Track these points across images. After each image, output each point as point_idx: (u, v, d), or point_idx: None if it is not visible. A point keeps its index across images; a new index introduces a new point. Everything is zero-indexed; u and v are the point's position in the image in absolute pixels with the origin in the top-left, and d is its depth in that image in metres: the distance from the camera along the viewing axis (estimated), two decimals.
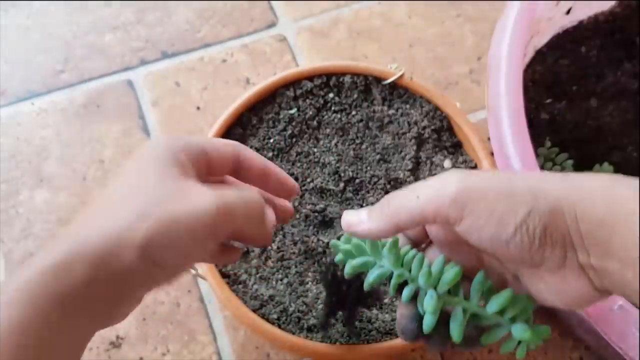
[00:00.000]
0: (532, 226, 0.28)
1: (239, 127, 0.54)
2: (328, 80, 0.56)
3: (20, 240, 0.58)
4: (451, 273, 0.32)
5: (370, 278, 0.34)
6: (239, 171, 0.36)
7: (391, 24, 0.72)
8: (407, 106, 0.55)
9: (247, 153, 0.36)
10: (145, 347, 0.53)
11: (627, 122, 0.56)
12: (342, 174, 0.53)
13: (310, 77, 0.56)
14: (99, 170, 0.62)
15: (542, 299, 0.31)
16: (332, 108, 0.55)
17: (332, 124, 0.55)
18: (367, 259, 0.34)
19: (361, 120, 0.55)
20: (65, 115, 0.65)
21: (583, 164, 0.54)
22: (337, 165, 0.53)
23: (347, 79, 0.55)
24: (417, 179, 0.53)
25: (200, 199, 0.30)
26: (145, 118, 0.65)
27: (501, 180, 0.30)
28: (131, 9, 0.72)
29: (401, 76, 0.55)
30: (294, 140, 0.54)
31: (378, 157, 0.54)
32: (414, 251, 0.34)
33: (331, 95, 0.56)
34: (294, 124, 0.54)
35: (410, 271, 0.33)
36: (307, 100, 0.55)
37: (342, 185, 0.52)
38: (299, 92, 0.55)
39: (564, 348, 0.54)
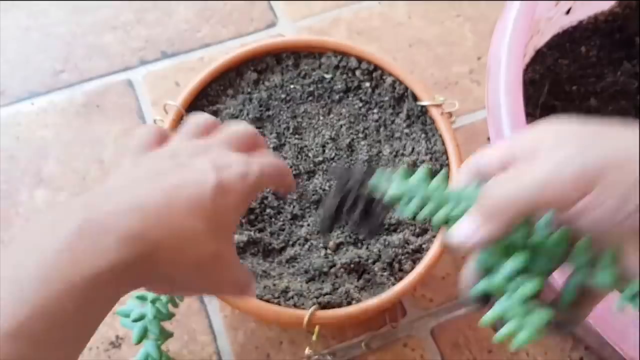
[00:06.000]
0: None
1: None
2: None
3: None
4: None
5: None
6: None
7: (391, 24, 0.72)
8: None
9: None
10: None
11: (626, 122, 0.56)
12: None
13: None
14: (98, 170, 0.62)
15: None
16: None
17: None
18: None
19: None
20: (65, 115, 0.65)
21: None
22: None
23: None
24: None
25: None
26: (145, 118, 0.65)
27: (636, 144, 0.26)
28: (131, 9, 0.72)
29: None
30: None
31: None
32: None
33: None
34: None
35: None
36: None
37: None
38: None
39: (564, 348, 0.54)
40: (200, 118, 0.39)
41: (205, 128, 0.38)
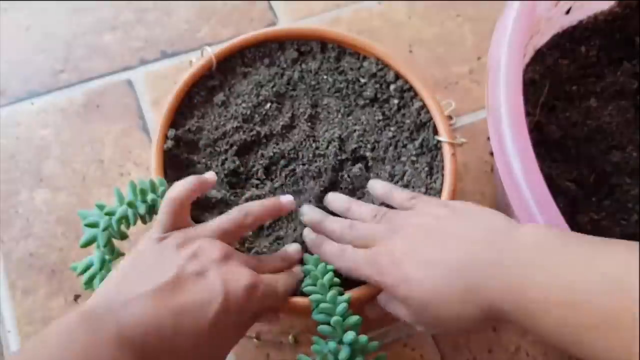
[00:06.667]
0: None
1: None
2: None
3: (20, 240, 0.58)
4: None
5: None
6: None
7: (391, 24, 0.72)
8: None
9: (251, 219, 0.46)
10: None
11: (626, 122, 0.56)
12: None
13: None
14: (98, 170, 0.62)
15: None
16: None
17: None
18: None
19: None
20: (65, 115, 0.65)
21: (582, 164, 0.54)
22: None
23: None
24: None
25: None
26: (145, 118, 0.65)
27: None
28: (131, 9, 0.72)
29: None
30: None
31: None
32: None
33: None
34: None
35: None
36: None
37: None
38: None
39: None
40: (240, 218, 0.44)
41: (241, 230, 0.45)
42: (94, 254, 0.47)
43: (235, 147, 0.53)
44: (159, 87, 0.67)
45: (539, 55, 0.60)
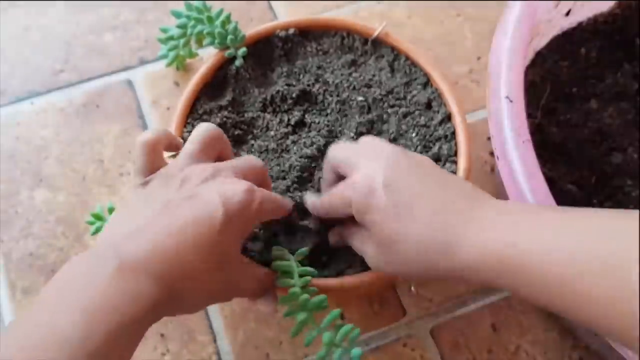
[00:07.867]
0: None
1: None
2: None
3: (20, 240, 0.58)
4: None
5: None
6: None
7: (391, 23, 0.72)
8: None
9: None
10: (144, 346, 0.53)
11: (627, 124, 0.56)
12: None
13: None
14: (98, 170, 0.62)
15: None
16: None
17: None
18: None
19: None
20: (64, 115, 0.65)
21: (584, 166, 0.54)
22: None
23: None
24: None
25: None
26: (145, 118, 0.65)
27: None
28: (131, 9, 0.72)
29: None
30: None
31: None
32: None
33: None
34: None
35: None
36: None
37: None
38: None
39: (564, 348, 0.54)
40: (207, 132, 0.43)
41: (212, 143, 0.43)
42: None
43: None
44: (159, 87, 0.67)
45: (539, 58, 0.60)
